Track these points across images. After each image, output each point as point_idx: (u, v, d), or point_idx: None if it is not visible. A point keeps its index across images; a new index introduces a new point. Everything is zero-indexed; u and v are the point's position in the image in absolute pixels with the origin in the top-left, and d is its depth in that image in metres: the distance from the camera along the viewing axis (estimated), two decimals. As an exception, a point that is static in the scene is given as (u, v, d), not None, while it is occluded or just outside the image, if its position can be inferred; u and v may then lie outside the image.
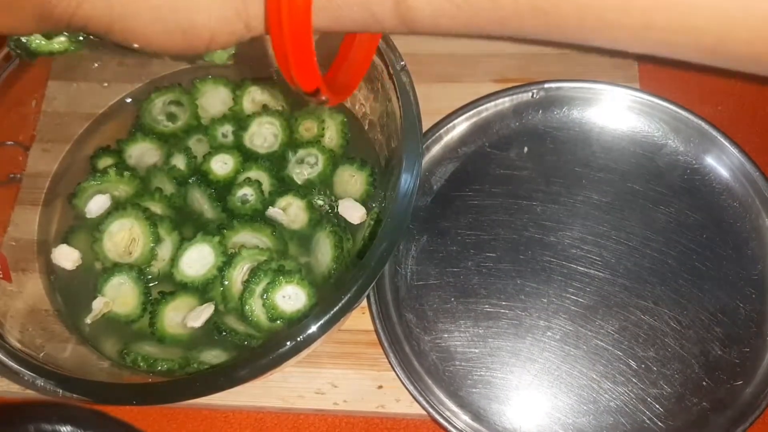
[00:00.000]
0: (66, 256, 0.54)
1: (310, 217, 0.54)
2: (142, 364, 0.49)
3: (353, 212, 0.54)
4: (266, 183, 0.56)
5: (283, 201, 0.55)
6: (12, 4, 0.34)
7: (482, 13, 0.27)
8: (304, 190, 0.56)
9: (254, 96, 0.60)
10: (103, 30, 0.33)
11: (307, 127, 0.58)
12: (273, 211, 0.54)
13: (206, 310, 0.51)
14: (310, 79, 0.29)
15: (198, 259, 0.52)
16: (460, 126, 0.63)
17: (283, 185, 0.56)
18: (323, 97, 0.31)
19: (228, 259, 0.52)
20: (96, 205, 0.55)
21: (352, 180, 0.57)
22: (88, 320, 0.51)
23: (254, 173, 0.56)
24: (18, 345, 0.45)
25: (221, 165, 0.56)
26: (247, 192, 0.55)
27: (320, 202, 0.55)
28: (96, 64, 0.61)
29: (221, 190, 0.56)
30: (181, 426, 0.54)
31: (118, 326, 0.52)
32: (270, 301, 0.50)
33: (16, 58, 0.52)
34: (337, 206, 0.55)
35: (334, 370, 0.55)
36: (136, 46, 0.33)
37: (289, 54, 0.27)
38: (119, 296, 0.52)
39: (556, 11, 0.26)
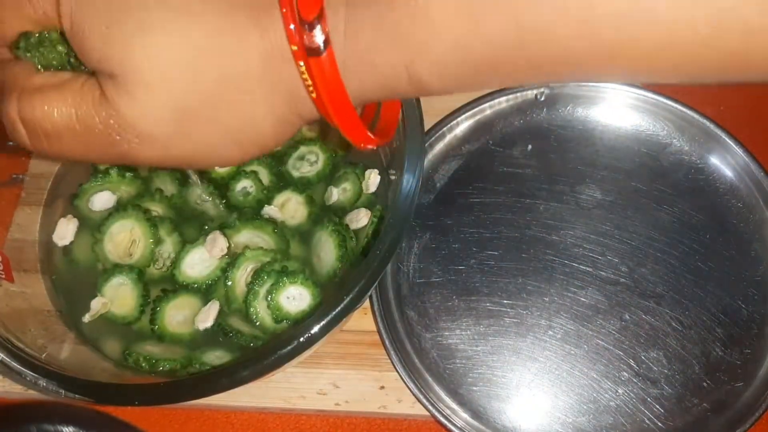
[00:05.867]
0: (65, 232, 0.54)
1: (310, 211, 0.54)
2: (144, 364, 0.49)
3: (358, 219, 0.54)
4: (265, 179, 0.56)
5: (282, 196, 0.55)
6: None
7: (485, 78, 0.31)
8: (302, 186, 0.56)
9: None
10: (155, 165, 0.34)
11: (310, 127, 0.58)
12: (268, 209, 0.54)
13: (212, 308, 0.51)
14: (358, 136, 0.33)
15: (200, 261, 0.52)
16: (464, 124, 0.63)
17: (282, 181, 0.56)
18: (371, 146, 0.34)
19: (232, 260, 0.52)
20: (100, 201, 0.55)
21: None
22: (86, 319, 0.51)
23: (253, 167, 0.56)
24: (20, 345, 0.45)
25: None
26: (246, 184, 0.55)
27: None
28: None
29: (221, 187, 0.55)
30: (182, 426, 0.54)
31: (119, 326, 0.52)
32: (275, 303, 0.50)
33: None
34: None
35: (336, 370, 0.55)
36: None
37: (337, 121, 0.31)
38: (118, 297, 0.52)
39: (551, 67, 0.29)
